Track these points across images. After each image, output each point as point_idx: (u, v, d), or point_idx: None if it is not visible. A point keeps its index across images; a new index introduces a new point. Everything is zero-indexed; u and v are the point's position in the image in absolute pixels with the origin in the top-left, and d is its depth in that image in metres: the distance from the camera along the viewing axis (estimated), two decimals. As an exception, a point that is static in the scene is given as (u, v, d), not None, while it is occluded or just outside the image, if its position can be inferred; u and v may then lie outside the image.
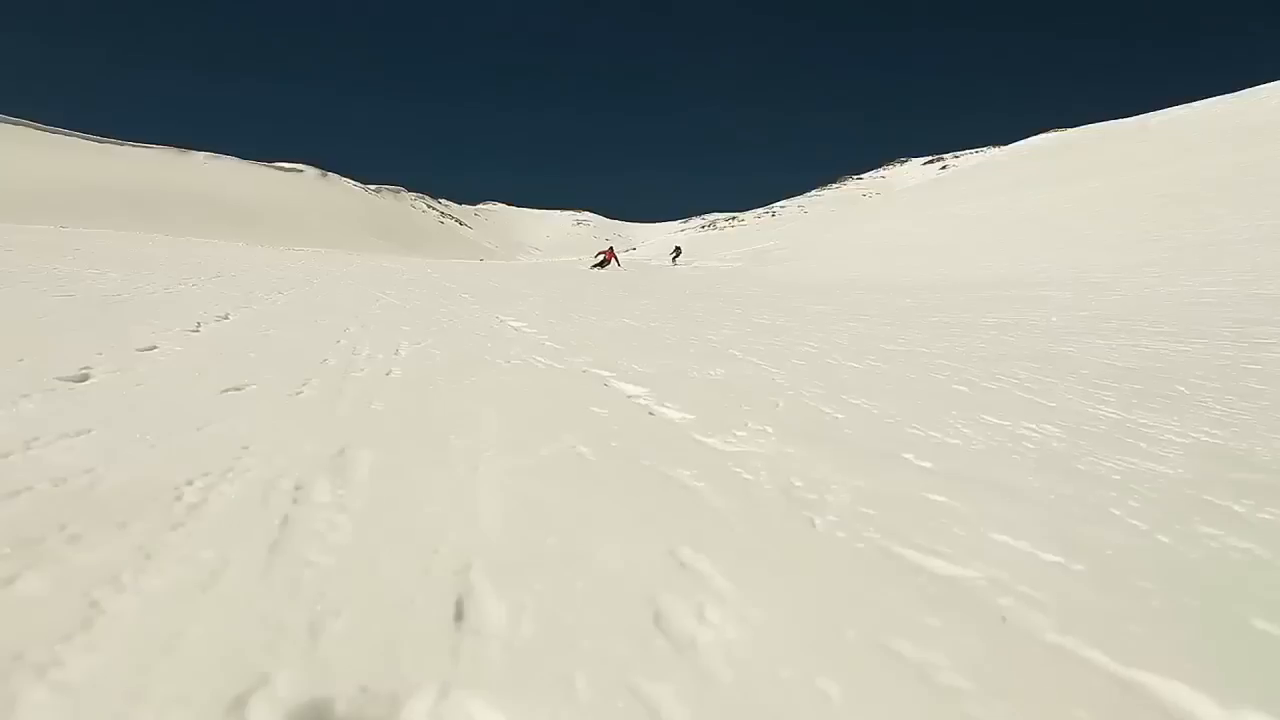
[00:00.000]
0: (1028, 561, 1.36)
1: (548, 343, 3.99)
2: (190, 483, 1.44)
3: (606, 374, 3.09)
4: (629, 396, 2.68)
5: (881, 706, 0.89)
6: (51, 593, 1.01)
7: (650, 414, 2.43)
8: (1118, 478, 1.95)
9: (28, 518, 1.23)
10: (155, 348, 2.81)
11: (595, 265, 22.13)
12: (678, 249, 29.27)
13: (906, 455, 2.08)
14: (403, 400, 2.35)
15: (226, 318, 3.84)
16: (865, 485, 1.77)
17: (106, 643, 0.91)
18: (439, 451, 1.82)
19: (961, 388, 3.32)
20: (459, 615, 1.04)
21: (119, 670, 0.85)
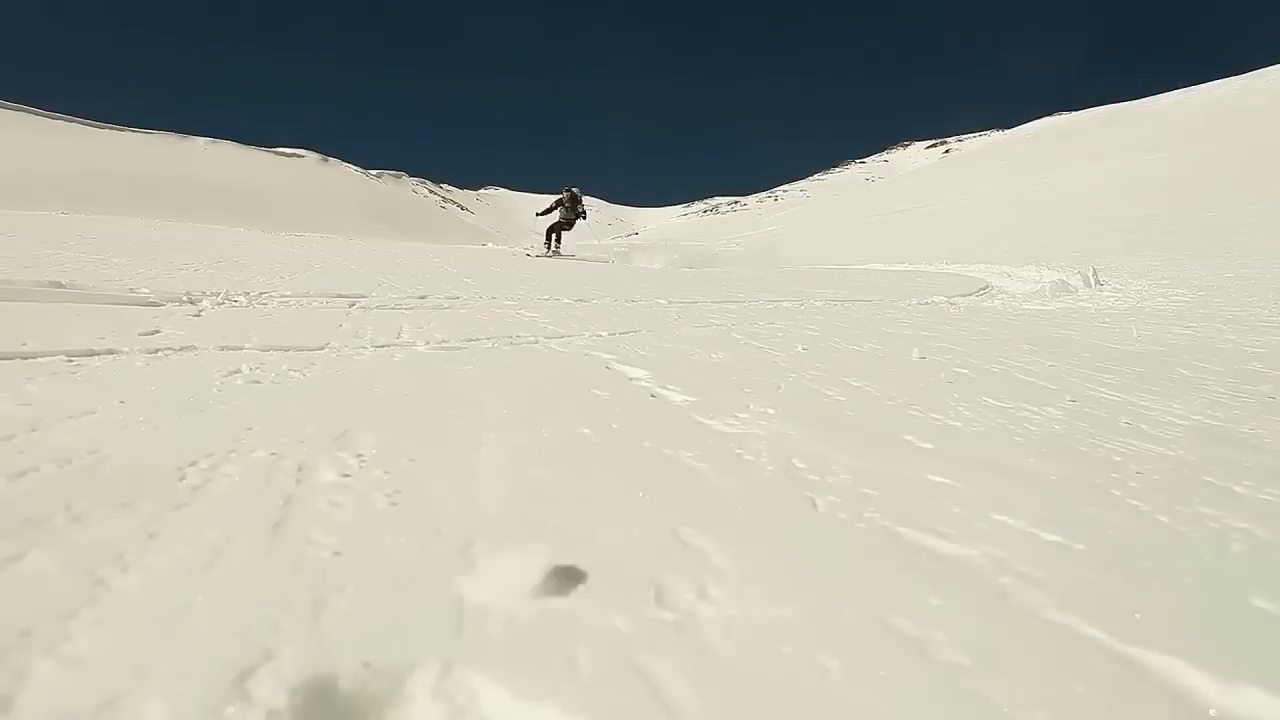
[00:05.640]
0: (1028, 541, 1.36)
1: (549, 325, 3.99)
2: (194, 464, 1.44)
3: (608, 356, 3.09)
4: (631, 379, 2.68)
5: (880, 680, 0.90)
6: (57, 571, 1.01)
7: (652, 396, 2.43)
8: (1119, 459, 1.96)
9: (33, 498, 1.24)
10: (158, 331, 2.82)
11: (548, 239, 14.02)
12: None
13: (908, 437, 2.08)
14: (404, 382, 2.35)
15: (228, 302, 3.84)
16: (866, 466, 1.77)
17: (112, 619, 0.91)
18: (441, 432, 1.83)
19: (963, 370, 3.31)
20: (461, 593, 1.04)
21: (125, 645, 0.86)
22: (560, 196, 14.41)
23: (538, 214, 14.78)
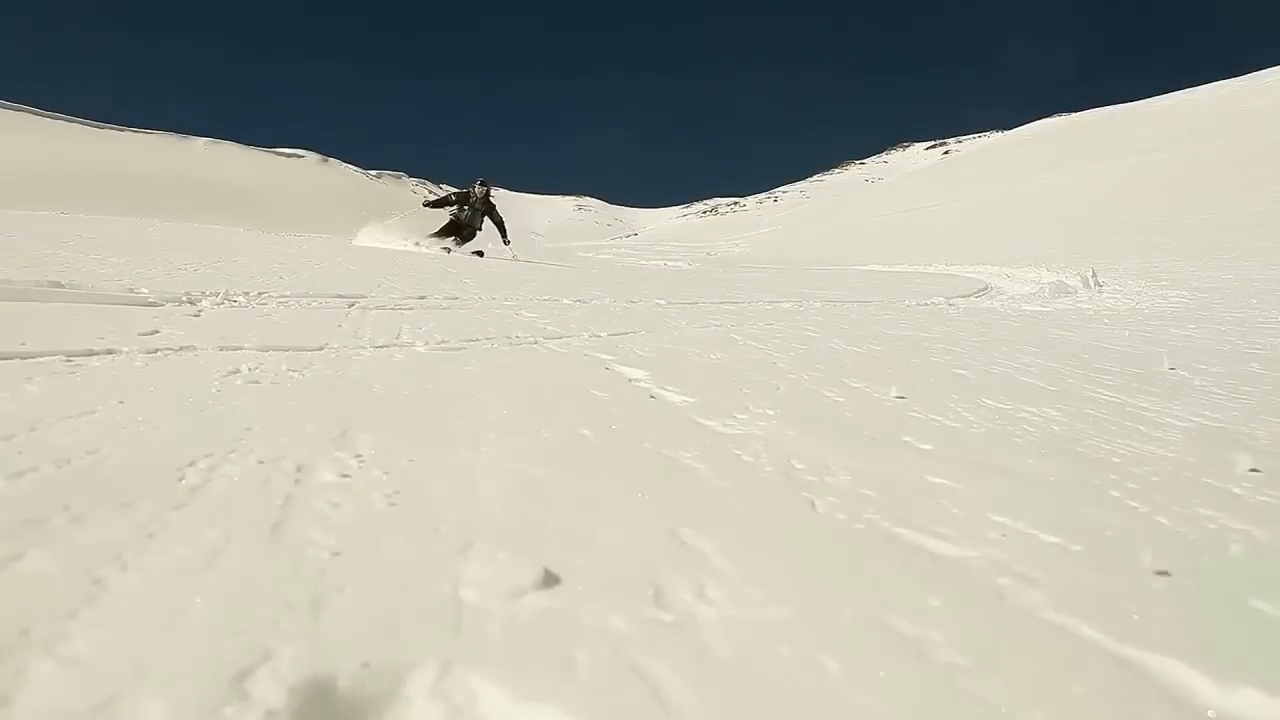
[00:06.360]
0: (1027, 542, 1.36)
1: (549, 326, 3.99)
2: (193, 464, 1.44)
3: (607, 357, 3.09)
4: (630, 380, 2.68)
5: (878, 680, 0.90)
6: (56, 571, 1.01)
7: (651, 397, 2.43)
8: (1117, 460, 1.96)
9: (31, 498, 1.23)
10: (157, 332, 2.81)
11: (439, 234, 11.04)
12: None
13: (906, 438, 2.08)
14: (404, 383, 2.35)
15: (227, 302, 3.84)
16: (865, 467, 1.77)
17: (111, 619, 0.91)
18: (440, 433, 1.83)
19: (962, 371, 3.32)
20: (459, 593, 1.04)
21: (124, 645, 0.86)
22: (463, 190, 11.03)
23: (425, 204, 12.27)
